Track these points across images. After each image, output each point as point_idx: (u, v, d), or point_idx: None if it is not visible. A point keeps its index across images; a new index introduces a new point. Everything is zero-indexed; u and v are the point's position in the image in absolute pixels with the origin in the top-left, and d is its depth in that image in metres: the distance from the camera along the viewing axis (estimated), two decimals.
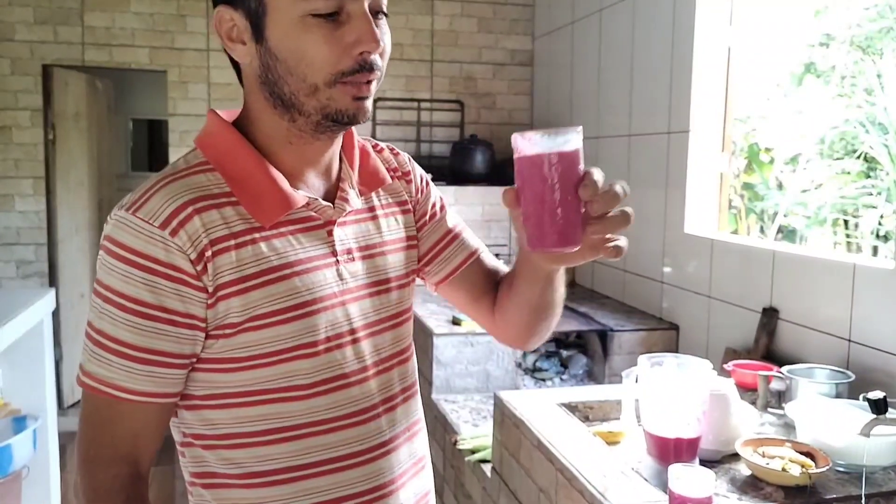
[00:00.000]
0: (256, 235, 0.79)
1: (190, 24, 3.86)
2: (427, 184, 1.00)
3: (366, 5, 0.77)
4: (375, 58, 0.77)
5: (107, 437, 0.78)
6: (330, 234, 0.84)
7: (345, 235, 0.86)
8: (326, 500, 0.82)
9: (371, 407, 0.85)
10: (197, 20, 3.87)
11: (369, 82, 0.78)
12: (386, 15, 0.81)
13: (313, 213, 0.83)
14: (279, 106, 0.80)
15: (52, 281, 3.85)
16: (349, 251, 0.86)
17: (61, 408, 3.79)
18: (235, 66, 0.84)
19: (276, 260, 0.79)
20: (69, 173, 4.04)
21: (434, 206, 0.99)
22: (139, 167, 7.16)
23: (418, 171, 0.99)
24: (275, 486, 0.81)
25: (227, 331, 0.77)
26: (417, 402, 0.94)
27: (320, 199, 0.84)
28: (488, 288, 0.99)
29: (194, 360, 0.79)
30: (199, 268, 0.75)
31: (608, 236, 0.73)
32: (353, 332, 0.84)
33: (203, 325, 0.77)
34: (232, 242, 0.77)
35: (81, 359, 0.78)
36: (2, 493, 2.35)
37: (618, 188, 0.72)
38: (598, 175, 0.71)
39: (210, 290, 0.76)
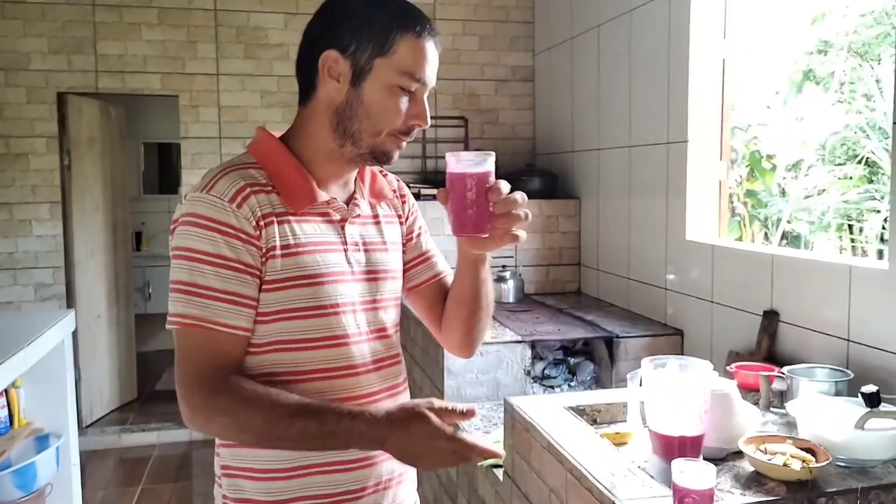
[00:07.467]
0: (290, 218, 1.05)
1: (200, 50, 3.96)
2: (415, 208, 1.28)
3: (426, 92, 1.06)
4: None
5: (207, 360, 0.99)
6: (343, 228, 1.11)
7: (354, 231, 1.12)
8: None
9: (362, 364, 1.10)
10: (207, 46, 3.97)
11: (406, 140, 1.08)
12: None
13: (332, 211, 1.10)
14: (339, 132, 1.06)
15: (70, 303, 3.93)
16: (356, 243, 1.12)
17: (80, 427, 3.85)
18: (304, 89, 1.08)
19: (303, 238, 1.05)
20: (84, 198, 4.12)
21: (420, 228, 1.27)
22: (150, 190, 7.24)
23: (410, 197, 1.27)
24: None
25: (268, 286, 1.02)
26: (401, 370, 1.19)
27: (339, 200, 1.10)
28: (441, 302, 1.25)
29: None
30: (257, 232, 1.01)
31: (512, 229, 1.01)
32: (352, 304, 1.09)
33: (260, 275, 1.02)
34: (274, 219, 1.03)
35: (172, 309, 1.00)
36: None
37: (516, 195, 1.00)
38: (503, 185, 1.00)
39: (264, 249, 1.02)
